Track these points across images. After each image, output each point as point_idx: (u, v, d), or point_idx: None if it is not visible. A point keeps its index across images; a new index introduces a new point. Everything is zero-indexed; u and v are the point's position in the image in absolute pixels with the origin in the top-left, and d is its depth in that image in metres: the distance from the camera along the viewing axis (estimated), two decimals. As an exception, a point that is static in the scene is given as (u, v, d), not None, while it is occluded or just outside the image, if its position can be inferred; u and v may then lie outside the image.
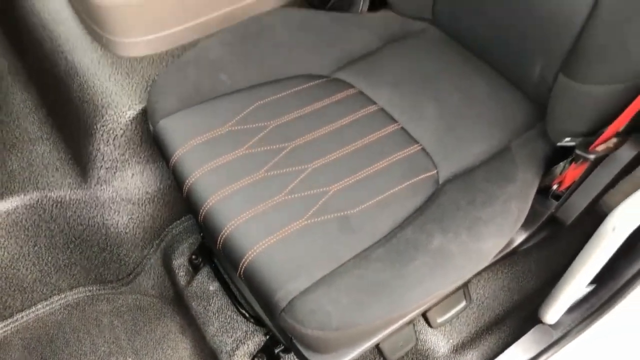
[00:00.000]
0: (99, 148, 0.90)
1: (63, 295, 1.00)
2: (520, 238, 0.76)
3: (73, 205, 0.94)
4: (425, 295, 0.64)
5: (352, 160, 0.75)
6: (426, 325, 0.88)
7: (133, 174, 0.94)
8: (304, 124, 0.79)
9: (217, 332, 0.95)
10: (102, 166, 0.92)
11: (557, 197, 0.74)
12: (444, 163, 0.76)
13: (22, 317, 0.97)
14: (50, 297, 0.99)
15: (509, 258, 0.85)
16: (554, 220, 0.77)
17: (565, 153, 0.71)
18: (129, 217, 0.96)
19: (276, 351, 0.91)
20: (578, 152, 0.67)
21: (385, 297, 0.63)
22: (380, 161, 0.75)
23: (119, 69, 0.92)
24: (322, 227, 0.68)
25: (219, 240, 0.69)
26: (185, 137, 0.76)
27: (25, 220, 0.92)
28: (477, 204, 0.70)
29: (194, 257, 1.00)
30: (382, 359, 0.87)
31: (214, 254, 0.97)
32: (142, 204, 0.96)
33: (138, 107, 0.88)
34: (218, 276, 0.97)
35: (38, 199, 0.92)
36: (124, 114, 0.88)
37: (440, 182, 0.75)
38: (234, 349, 0.93)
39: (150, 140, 0.92)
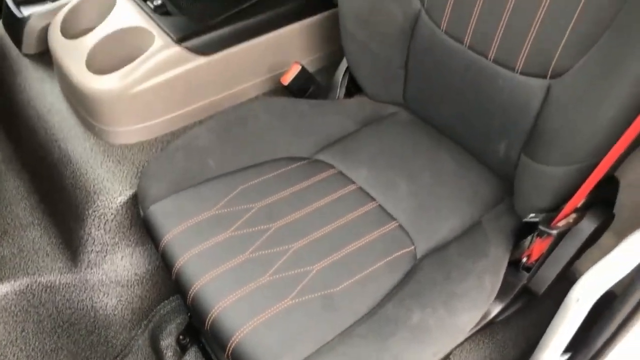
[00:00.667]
0: (90, 232, 0.94)
1: (49, 381, 1.00)
2: (495, 310, 0.79)
3: (62, 289, 0.96)
4: (406, 370, 0.66)
5: (333, 239, 0.80)
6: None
7: (122, 257, 0.97)
8: (286, 205, 0.84)
9: (205, 413, 0.95)
10: (92, 250, 0.95)
11: (527, 269, 0.78)
12: (421, 239, 0.81)
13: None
14: (36, 383, 0.99)
15: (489, 328, 0.88)
16: (527, 290, 0.81)
17: (532, 227, 0.77)
18: (118, 299, 0.98)
19: None
20: (541, 227, 0.72)
21: (368, 373, 0.65)
22: (360, 239, 0.80)
23: (110, 157, 0.97)
24: (306, 307, 0.71)
25: (207, 322, 0.71)
26: (174, 221, 0.80)
27: (14, 306, 0.94)
28: (453, 279, 0.74)
29: (181, 337, 1.01)
30: None
31: (202, 333, 0.99)
32: (130, 286, 0.98)
33: (129, 193, 0.92)
34: (206, 356, 0.98)
35: (28, 285, 0.94)
36: (115, 199, 0.92)
37: (418, 257, 0.79)
38: None
39: (139, 223, 0.96)
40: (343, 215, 0.83)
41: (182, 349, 1.00)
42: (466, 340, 0.79)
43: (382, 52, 0.95)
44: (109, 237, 0.94)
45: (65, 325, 0.98)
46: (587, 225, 0.74)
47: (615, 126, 0.67)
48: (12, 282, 0.93)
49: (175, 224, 0.79)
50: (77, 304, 0.97)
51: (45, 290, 0.95)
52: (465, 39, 0.84)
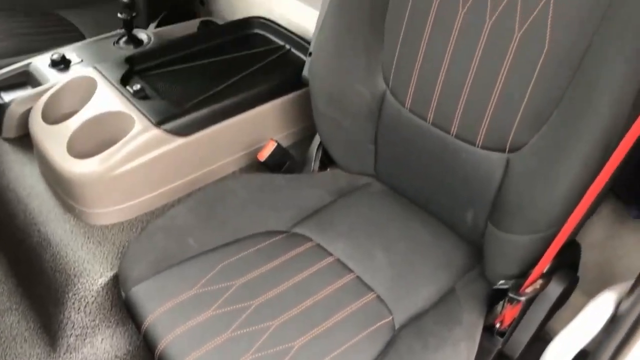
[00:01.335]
0: (70, 316, 0.94)
1: None
2: (474, 375, 0.82)
3: (41, 375, 0.94)
4: None
5: (313, 313, 0.81)
6: None
7: (103, 339, 0.96)
8: (266, 280, 0.86)
9: None
10: (72, 334, 0.94)
11: (501, 334, 0.81)
12: (398, 309, 0.83)
13: None
14: None
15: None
16: (503, 355, 0.84)
17: (503, 292, 0.80)
18: (98, 383, 0.97)
19: None
20: (510, 295, 0.76)
21: None
22: (340, 312, 0.82)
23: (91, 238, 0.98)
24: (289, 384, 0.72)
25: (191, 405, 0.71)
26: (156, 303, 0.81)
27: (-9, 396, 0.92)
28: (430, 348, 0.76)
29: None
30: None
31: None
32: (111, 369, 0.98)
33: (109, 274, 0.93)
34: None
35: (5, 373, 0.92)
36: (96, 281, 0.93)
37: (396, 327, 0.81)
38: None
39: (120, 304, 0.96)
40: (322, 289, 0.85)
41: None
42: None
43: (352, 129, 1.01)
44: (89, 320, 0.94)
45: (43, 413, 0.96)
46: (554, 290, 0.77)
47: (571, 197, 0.72)
48: (-11, 371, 0.91)
49: (157, 305, 0.81)
50: (56, 390, 0.95)
51: (23, 377, 0.94)
52: (429, 117, 0.90)
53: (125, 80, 1.11)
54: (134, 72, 1.15)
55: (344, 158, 1.06)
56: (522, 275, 0.78)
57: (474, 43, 0.82)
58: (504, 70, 0.79)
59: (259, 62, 1.22)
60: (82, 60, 1.25)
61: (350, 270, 0.89)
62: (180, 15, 1.51)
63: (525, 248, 0.78)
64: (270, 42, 1.31)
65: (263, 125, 1.16)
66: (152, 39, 1.34)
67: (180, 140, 1.03)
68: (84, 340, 0.95)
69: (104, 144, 0.99)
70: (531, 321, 0.79)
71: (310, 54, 1.10)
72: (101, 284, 0.93)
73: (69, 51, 1.27)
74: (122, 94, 1.07)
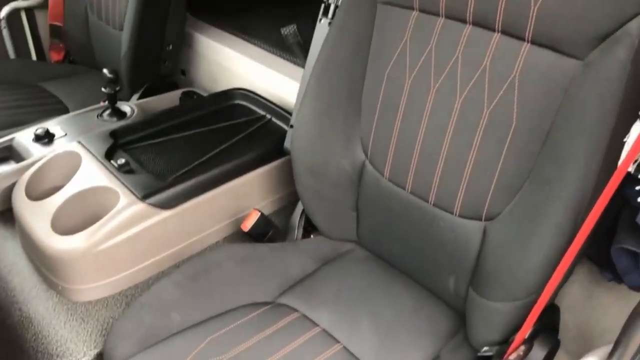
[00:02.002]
0: (51, 399, 0.91)
1: None
2: None
3: None
4: None
5: (302, 388, 0.81)
6: None
7: (85, 421, 0.93)
8: (253, 354, 0.86)
9: None
10: (53, 418, 0.92)
11: (489, 401, 0.81)
12: (386, 379, 0.84)
13: None
14: None
15: None
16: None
17: (488, 359, 0.82)
18: None
19: None
20: (495, 362, 0.77)
21: None
22: (327, 385, 0.82)
23: (74, 315, 0.97)
24: None
25: None
26: (142, 382, 0.80)
27: None
28: (420, 419, 0.76)
29: None
30: None
31: None
32: None
33: (93, 353, 0.92)
34: None
35: None
36: (79, 361, 0.91)
37: (384, 398, 0.81)
38: None
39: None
40: (309, 361, 0.85)
41: None
42: None
43: (334, 197, 1.03)
44: (71, 403, 0.92)
45: None
46: (537, 355, 0.79)
47: (547, 265, 0.75)
48: None
49: (144, 385, 0.80)
50: None
51: None
52: (407, 186, 0.94)
53: (109, 154, 1.13)
54: (118, 146, 1.18)
55: (326, 225, 1.08)
56: (505, 341, 0.80)
57: (446, 117, 0.86)
58: (476, 143, 0.84)
59: (241, 133, 1.25)
60: (66, 134, 1.27)
61: (337, 341, 0.89)
62: (163, 86, 1.55)
63: (506, 315, 0.80)
64: (252, 112, 1.35)
65: (246, 195, 1.18)
66: (136, 111, 1.37)
67: (165, 214, 1.04)
68: (66, 423, 0.92)
69: (88, 218, 1.00)
70: (517, 387, 0.80)
71: (291, 126, 1.14)
72: (84, 363, 0.91)
73: (53, 125, 1.29)
74: (106, 168, 1.09)
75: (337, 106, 0.99)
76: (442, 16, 0.86)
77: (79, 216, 1.02)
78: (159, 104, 1.44)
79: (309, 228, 1.14)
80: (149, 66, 1.53)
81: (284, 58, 1.50)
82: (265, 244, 1.08)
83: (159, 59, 1.54)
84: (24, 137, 1.25)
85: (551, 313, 0.86)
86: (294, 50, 1.23)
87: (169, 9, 1.49)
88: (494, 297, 0.81)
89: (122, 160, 1.09)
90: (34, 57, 1.90)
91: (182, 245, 1.09)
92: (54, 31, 1.73)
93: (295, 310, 0.94)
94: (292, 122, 1.15)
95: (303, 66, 1.14)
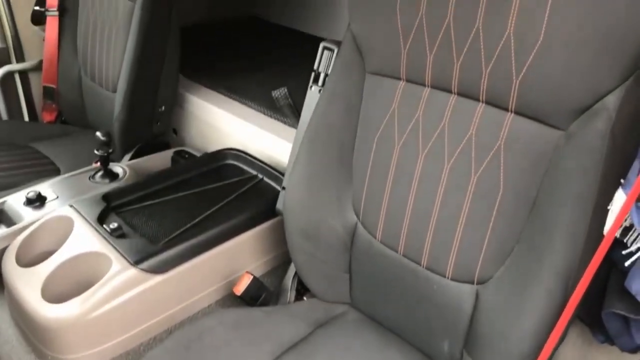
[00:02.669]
0: None
1: None
2: None
3: None
4: None
5: None
6: None
7: None
8: None
9: None
10: None
11: None
12: None
13: None
14: None
15: None
16: None
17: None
18: None
19: None
20: None
21: None
22: None
23: (62, 387, 0.95)
24: None
25: None
26: None
27: None
28: None
29: None
30: None
31: None
32: None
33: None
34: None
35: None
36: None
37: None
38: None
39: None
40: None
41: None
42: None
43: (327, 259, 1.04)
44: None
45: None
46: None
47: (539, 329, 0.75)
48: None
49: None
50: None
51: None
52: (399, 249, 0.95)
53: (101, 218, 1.13)
54: (111, 209, 1.18)
55: (319, 287, 1.08)
56: (502, 409, 0.79)
57: (435, 183, 0.89)
58: (466, 208, 0.86)
59: (234, 193, 1.27)
60: (57, 197, 1.27)
61: (332, 410, 0.88)
62: (154, 146, 1.57)
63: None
64: (244, 172, 1.37)
65: (238, 256, 1.18)
66: (128, 172, 1.38)
67: (157, 278, 1.04)
68: None
69: (80, 284, 0.99)
70: None
71: (283, 188, 1.16)
72: None
73: (45, 187, 1.30)
74: (99, 232, 1.09)
75: (329, 170, 1.01)
76: (428, 86, 0.89)
77: (71, 282, 1.02)
78: (151, 164, 1.46)
79: (302, 290, 1.14)
80: (142, 127, 1.55)
81: (274, 118, 1.53)
82: (257, 308, 1.07)
83: (151, 120, 1.57)
84: (14, 201, 1.25)
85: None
86: (285, 111, 1.26)
87: (162, 71, 1.53)
88: (488, 362, 0.81)
89: (114, 225, 1.10)
90: (26, 118, 1.92)
91: (174, 309, 1.08)
92: (48, 92, 1.76)
93: (289, 377, 0.93)
94: (284, 184, 1.17)
95: (293, 126, 1.17)
